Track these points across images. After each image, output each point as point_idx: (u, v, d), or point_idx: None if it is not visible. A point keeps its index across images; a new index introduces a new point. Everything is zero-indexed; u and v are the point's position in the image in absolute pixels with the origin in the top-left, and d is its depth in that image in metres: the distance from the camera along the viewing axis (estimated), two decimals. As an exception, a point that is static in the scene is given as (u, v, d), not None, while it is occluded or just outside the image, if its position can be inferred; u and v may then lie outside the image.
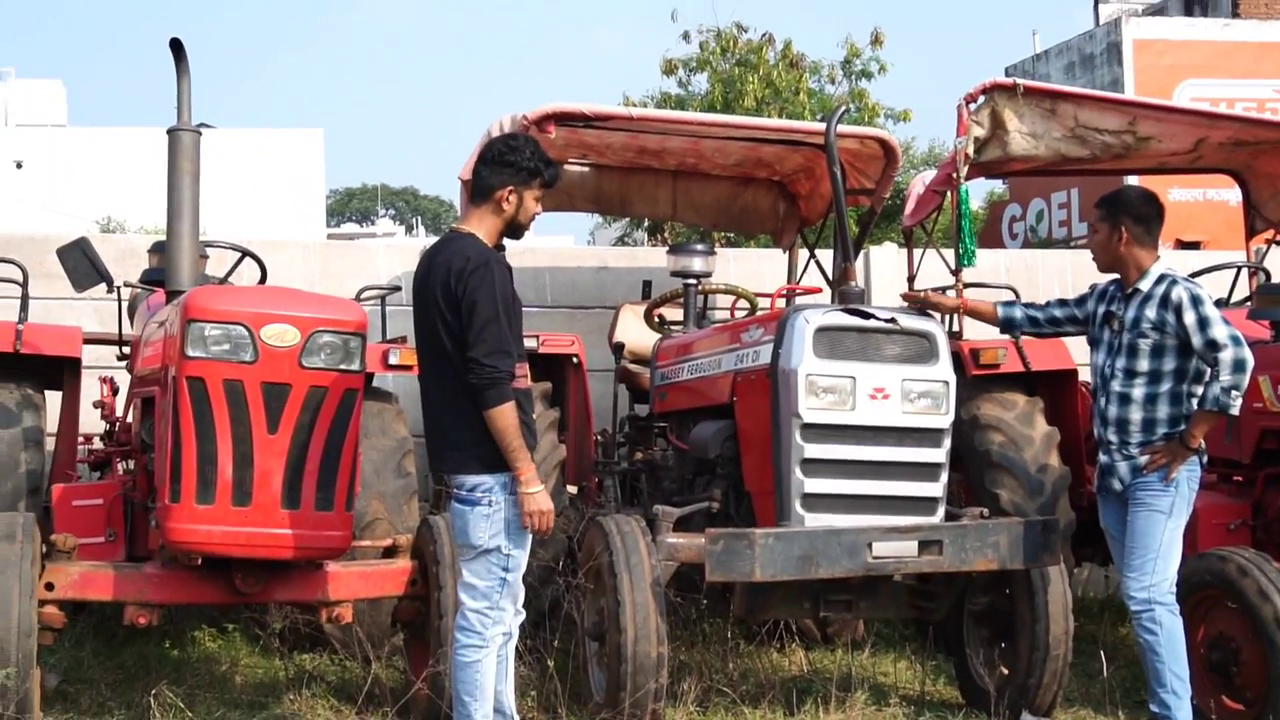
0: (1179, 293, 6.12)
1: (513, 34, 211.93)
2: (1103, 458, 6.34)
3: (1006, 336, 7.66)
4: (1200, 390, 6.11)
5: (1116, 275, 6.43)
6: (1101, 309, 6.43)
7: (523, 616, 5.55)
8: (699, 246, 8.87)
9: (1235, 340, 6.02)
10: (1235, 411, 6.07)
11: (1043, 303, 6.83)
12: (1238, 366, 5.97)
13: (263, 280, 8.10)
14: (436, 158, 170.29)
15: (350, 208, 74.36)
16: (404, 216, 73.54)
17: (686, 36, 22.92)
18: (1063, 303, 6.70)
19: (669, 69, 22.98)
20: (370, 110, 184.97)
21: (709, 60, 22.71)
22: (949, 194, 8.32)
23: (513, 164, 5.44)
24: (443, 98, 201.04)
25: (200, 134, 6.40)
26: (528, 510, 5.28)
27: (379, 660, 6.98)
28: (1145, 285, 6.25)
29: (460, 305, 5.25)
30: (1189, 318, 6.06)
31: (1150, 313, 6.17)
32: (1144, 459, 6.13)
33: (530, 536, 5.41)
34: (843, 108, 7.51)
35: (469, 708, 5.37)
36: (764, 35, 22.55)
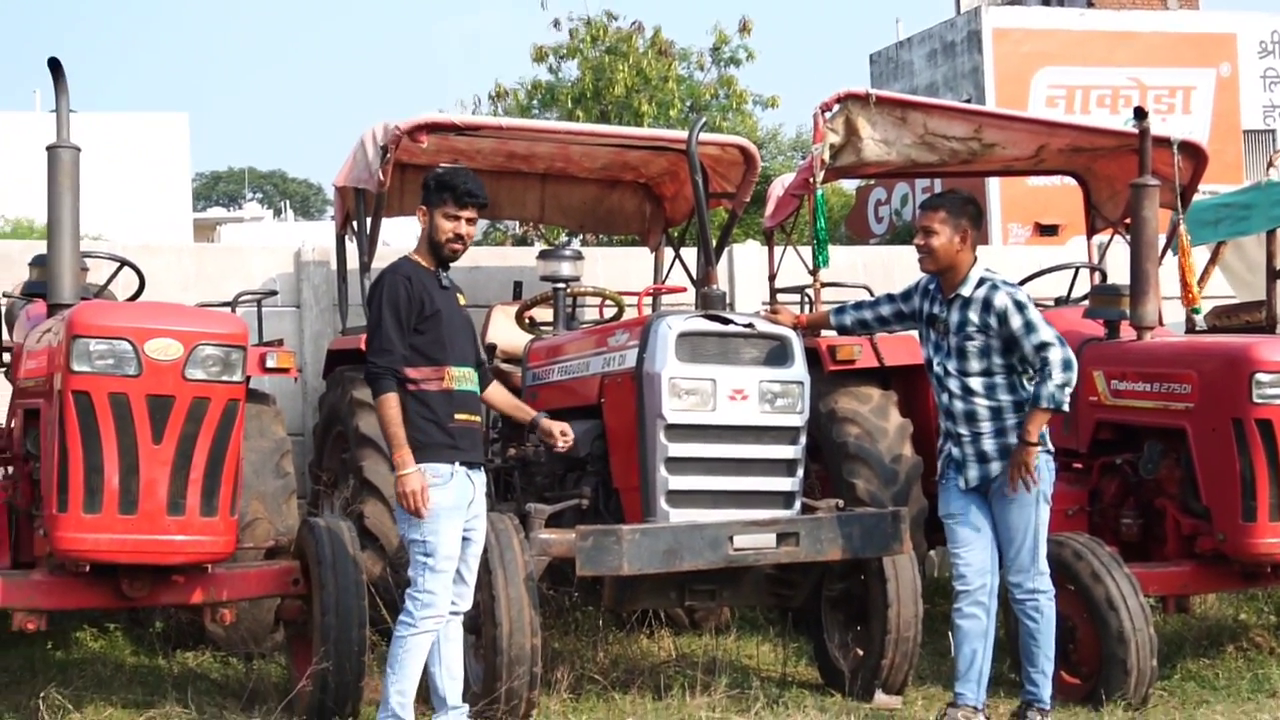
0: (1002, 299, 6.29)
1: (385, 16, 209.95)
2: (954, 450, 6.44)
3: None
4: (1030, 372, 6.35)
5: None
6: (926, 307, 6.58)
7: (466, 604, 5.98)
8: (567, 251, 9.11)
9: (1060, 340, 6.25)
10: (1066, 408, 6.34)
11: (872, 299, 7.06)
12: (1067, 365, 6.21)
13: (141, 287, 8.25)
14: (306, 140, 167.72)
15: (217, 191, 73.10)
16: (272, 200, 72.48)
17: (557, 24, 23.16)
18: (890, 298, 6.85)
19: (539, 56, 23.16)
20: (236, 91, 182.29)
21: (579, 48, 22.95)
22: (806, 197, 8.71)
23: (425, 184, 5.93)
24: (313, 79, 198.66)
25: (79, 150, 6.56)
26: (398, 491, 5.70)
27: (262, 658, 7.19)
28: (966, 290, 6.39)
29: None
30: (1015, 322, 6.25)
31: (973, 315, 6.34)
32: (996, 469, 6.33)
33: (455, 524, 5.78)
34: (703, 119, 7.86)
35: (388, 681, 5.80)
36: (633, 23, 22.85)
